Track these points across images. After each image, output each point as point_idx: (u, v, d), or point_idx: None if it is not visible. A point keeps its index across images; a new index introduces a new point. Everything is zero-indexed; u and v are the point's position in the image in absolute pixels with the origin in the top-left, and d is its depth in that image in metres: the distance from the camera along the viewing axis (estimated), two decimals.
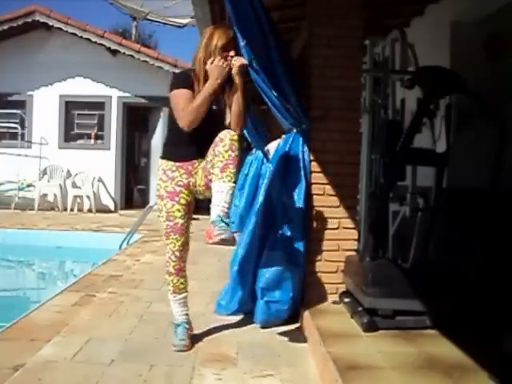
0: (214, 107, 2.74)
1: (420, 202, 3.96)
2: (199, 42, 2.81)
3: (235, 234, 2.87)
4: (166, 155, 2.82)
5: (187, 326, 2.91)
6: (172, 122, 2.77)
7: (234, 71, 2.72)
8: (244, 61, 2.76)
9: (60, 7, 18.00)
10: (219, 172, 2.53)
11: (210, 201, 2.62)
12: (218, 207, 2.52)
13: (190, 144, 2.75)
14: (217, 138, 2.60)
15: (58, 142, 10.57)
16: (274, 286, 3.19)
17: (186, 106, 2.63)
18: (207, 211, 2.69)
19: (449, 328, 2.69)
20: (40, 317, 3.32)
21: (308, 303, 3.25)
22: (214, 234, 2.46)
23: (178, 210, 2.78)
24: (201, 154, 2.74)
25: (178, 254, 2.82)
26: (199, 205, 3.30)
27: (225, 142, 2.54)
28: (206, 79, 2.71)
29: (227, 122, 2.82)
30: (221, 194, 2.53)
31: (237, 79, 2.74)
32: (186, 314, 2.94)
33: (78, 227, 7.91)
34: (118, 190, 10.75)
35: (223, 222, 2.48)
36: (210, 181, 2.64)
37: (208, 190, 2.71)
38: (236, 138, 2.57)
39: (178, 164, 2.76)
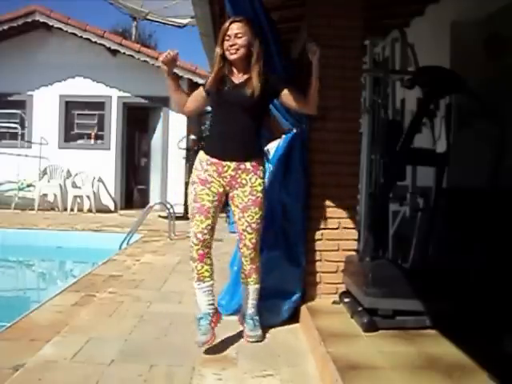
0: (236, 97, 2.75)
1: (420, 202, 3.96)
2: None
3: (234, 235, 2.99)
4: (204, 148, 2.89)
5: (210, 318, 2.82)
6: (211, 116, 2.97)
7: (314, 58, 2.77)
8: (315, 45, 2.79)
9: (60, 7, 17.98)
10: (245, 276, 2.96)
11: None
12: (247, 304, 2.98)
13: (219, 141, 2.82)
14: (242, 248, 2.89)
15: (57, 142, 10.57)
16: (274, 286, 3.19)
17: None
18: None
19: (449, 328, 2.68)
20: (40, 317, 3.32)
21: (308, 303, 3.25)
22: (247, 333, 2.96)
23: (207, 195, 2.78)
24: (231, 155, 2.77)
25: (200, 236, 2.74)
26: None
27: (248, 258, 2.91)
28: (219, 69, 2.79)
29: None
30: (248, 294, 2.98)
31: (316, 64, 2.78)
32: (212, 304, 2.88)
33: (78, 227, 7.91)
34: (118, 189, 10.75)
35: (252, 320, 2.96)
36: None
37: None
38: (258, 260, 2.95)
39: (211, 160, 2.80)
